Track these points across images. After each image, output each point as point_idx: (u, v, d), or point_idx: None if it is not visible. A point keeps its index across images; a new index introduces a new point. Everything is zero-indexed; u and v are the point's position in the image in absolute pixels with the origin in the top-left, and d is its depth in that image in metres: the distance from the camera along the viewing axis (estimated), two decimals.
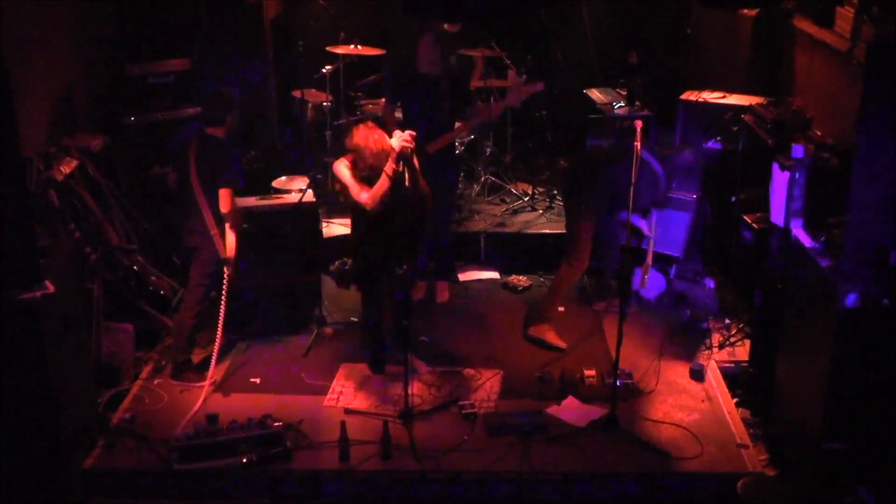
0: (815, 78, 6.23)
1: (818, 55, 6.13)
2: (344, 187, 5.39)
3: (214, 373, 5.72)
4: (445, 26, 7.94)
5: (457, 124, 6.40)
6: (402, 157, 5.25)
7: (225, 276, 5.56)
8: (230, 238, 5.54)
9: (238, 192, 5.77)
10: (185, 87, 6.91)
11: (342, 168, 5.38)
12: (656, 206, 6.42)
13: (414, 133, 5.28)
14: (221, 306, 5.57)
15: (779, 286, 5.28)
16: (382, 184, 5.25)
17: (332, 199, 7.60)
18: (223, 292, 5.57)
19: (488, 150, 8.00)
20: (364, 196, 5.31)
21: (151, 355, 6.04)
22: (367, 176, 5.30)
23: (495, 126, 8.03)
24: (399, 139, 5.24)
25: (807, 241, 4.77)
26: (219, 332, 5.62)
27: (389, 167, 5.24)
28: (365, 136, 5.27)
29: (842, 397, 4.43)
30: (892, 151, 4.17)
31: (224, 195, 5.48)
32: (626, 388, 5.62)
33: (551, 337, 6.20)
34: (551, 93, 7.99)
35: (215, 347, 5.65)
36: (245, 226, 5.74)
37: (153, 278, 6.27)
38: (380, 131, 5.33)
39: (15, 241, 4.36)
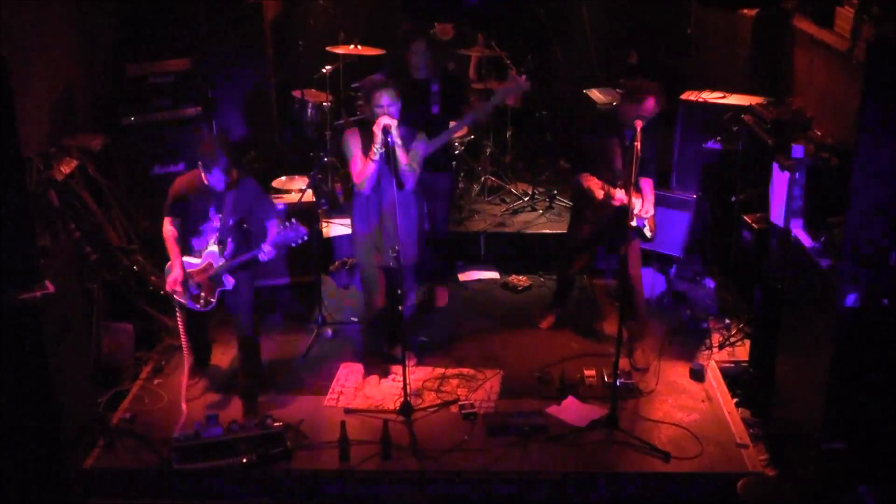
0: (815, 78, 6.22)
1: (818, 55, 6.12)
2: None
3: (190, 384, 5.59)
4: (438, 33, 7.99)
5: (450, 124, 6.39)
6: (384, 143, 5.20)
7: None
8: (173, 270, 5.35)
9: None
10: (185, 87, 6.91)
11: (349, 138, 5.43)
12: None
13: (393, 121, 5.22)
14: (178, 322, 5.43)
15: (779, 286, 5.28)
16: (368, 166, 5.28)
17: (332, 199, 7.63)
18: (177, 310, 5.41)
19: (488, 150, 7.99)
20: (354, 170, 5.37)
21: (151, 355, 6.04)
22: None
23: (495, 126, 8.03)
24: (378, 127, 5.18)
25: (807, 241, 4.77)
26: (184, 346, 5.47)
27: (372, 151, 5.23)
28: (380, 96, 5.25)
29: (842, 397, 4.43)
30: (892, 151, 4.17)
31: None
32: (626, 388, 5.62)
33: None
34: (551, 93, 8.00)
35: (185, 363, 5.50)
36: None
37: (153, 278, 6.26)
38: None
39: (15, 241, 4.36)
